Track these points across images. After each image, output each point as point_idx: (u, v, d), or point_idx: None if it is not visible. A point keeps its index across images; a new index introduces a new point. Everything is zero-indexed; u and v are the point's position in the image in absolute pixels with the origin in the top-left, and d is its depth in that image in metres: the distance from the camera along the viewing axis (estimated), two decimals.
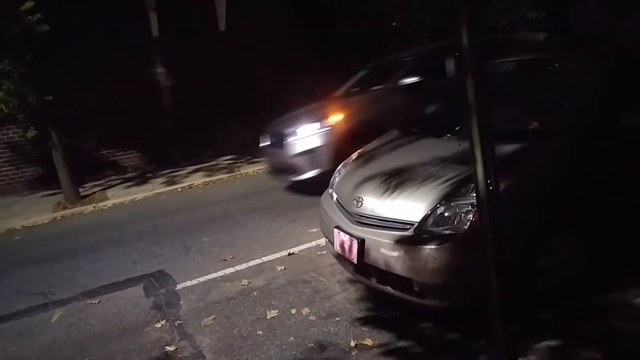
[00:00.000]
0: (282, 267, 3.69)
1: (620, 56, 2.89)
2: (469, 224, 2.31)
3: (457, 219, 2.37)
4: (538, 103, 3.00)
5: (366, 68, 6.63)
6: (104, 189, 7.56)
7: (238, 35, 9.28)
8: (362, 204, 2.78)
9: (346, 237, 2.75)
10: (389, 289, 2.62)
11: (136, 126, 8.83)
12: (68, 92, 7.52)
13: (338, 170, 3.44)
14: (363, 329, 2.71)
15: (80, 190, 7.22)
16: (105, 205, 6.70)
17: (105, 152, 9.05)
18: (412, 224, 2.47)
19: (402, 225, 2.51)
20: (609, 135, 2.60)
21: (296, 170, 5.32)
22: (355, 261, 2.68)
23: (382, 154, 3.25)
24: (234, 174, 7.46)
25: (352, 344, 2.56)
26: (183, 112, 9.15)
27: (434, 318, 2.64)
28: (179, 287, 3.67)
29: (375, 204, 2.71)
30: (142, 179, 8.06)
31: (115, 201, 6.80)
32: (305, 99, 6.46)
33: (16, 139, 8.40)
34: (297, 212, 4.99)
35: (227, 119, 9.14)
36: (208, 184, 7.21)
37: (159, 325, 3.11)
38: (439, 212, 2.42)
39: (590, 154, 2.57)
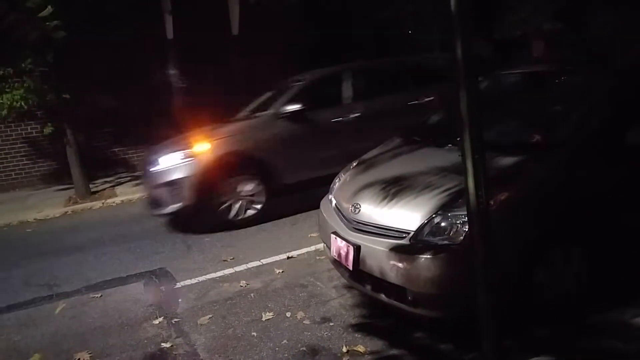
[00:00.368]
0: (281, 270, 3.72)
1: (627, 71, 2.87)
2: (464, 235, 2.31)
3: (453, 229, 2.37)
4: (540, 116, 2.99)
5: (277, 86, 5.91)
6: (114, 186, 7.71)
7: (250, 40, 9.38)
8: (359, 210, 2.79)
9: (343, 243, 2.77)
10: (382, 296, 2.63)
11: (148, 126, 8.97)
12: (85, 92, 7.70)
13: (338, 176, 3.46)
14: (356, 335, 2.72)
15: (91, 186, 7.38)
16: (113, 202, 6.82)
17: (117, 150, 9.22)
18: (408, 233, 2.47)
19: (398, 233, 2.52)
20: (611, 150, 2.58)
21: (157, 203, 4.92)
22: (350, 267, 2.70)
23: (383, 161, 3.26)
24: None
25: (344, 349, 2.58)
26: (193, 112, 9.26)
27: (427, 327, 2.63)
28: (178, 285, 3.73)
29: (373, 211, 2.72)
30: None
31: (123, 198, 6.92)
32: None
33: (34, 134, 8.62)
34: (299, 216, 5.02)
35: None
36: None
37: (157, 322, 3.16)
38: (435, 222, 2.43)
39: (591, 168, 2.55)
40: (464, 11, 1.48)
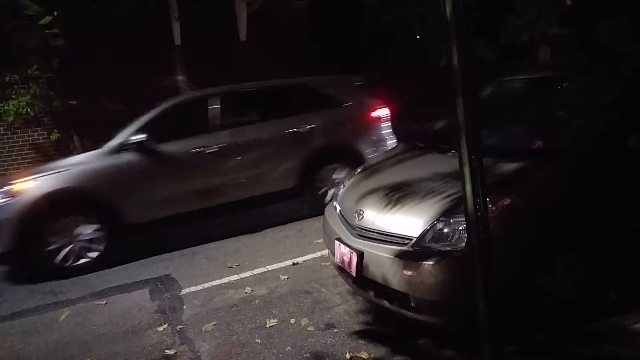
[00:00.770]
0: (286, 277, 3.72)
1: (630, 77, 2.86)
2: (466, 241, 2.30)
3: (456, 235, 2.37)
4: (543, 122, 2.99)
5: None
6: None
7: (257, 46, 9.44)
8: (363, 216, 2.80)
9: (346, 250, 2.77)
10: (386, 303, 2.63)
11: None
12: (91, 98, 7.77)
13: (343, 183, 3.47)
14: (360, 341, 2.72)
15: None
16: None
17: None
18: (411, 239, 2.47)
19: (400, 239, 2.52)
20: (615, 156, 2.56)
21: None
22: (354, 274, 2.70)
23: (386, 167, 3.27)
24: None
25: (348, 356, 2.57)
26: None
27: (431, 334, 2.62)
28: (183, 292, 3.74)
29: (376, 217, 2.72)
30: None
31: None
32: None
33: (41, 140, 8.69)
34: (305, 222, 5.02)
35: None
36: None
37: (161, 329, 3.17)
38: (437, 228, 2.43)
39: (594, 174, 2.54)
40: (459, 14, 1.48)
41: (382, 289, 2.59)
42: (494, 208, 2.28)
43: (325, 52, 9.60)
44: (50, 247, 4.31)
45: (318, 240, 4.29)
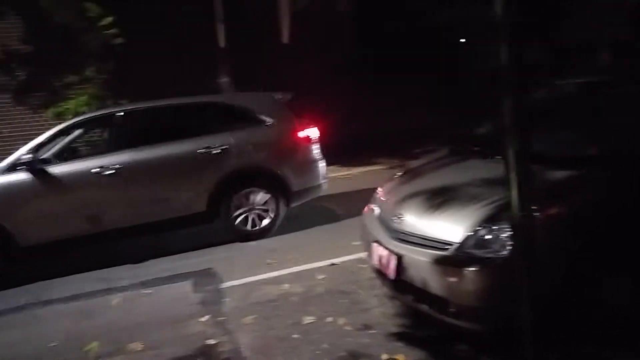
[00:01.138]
0: (323, 276, 3.78)
1: None
2: (509, 248, 2.28)
3: (498, 242, 2.34)
4: (598, 128, 2.88)
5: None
6: None
7: (300, 49, 9.57)
8: (402, 220, 2.81)
9: (384, 253, 2.79)
10: (424, 307, 2.63)
11: None
12: (140, 98, 8.18)
13: (382, 186, 3.48)
14: (397, 344, 2.73)
15: None
16: None
17: None
18: (452, 244, 2.46)
19: (441, 244, 2.52)
20: None
21: None
22: (392, 277, 2.72)
23: (428, 171, 3.26)
24: None
25: (384, 357, 2.59)
26: None
27: (470, 340, 2.60)
28: (224, 285, 3.88)
29: (416, 221, 2.73)
30: None
31: None
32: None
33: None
34: (342, 223, 5.06)
35: None
36: None
37: (203, 320, 3.31)
38: (480, 235, 2.40)
39: None
40: (509, 16, 1.47)
41: (421, 293, 2.59)
42: (540, 216, 2.23)
43: (371, 56, 9.52)
44: None
45: (356, 242, 4.29)
